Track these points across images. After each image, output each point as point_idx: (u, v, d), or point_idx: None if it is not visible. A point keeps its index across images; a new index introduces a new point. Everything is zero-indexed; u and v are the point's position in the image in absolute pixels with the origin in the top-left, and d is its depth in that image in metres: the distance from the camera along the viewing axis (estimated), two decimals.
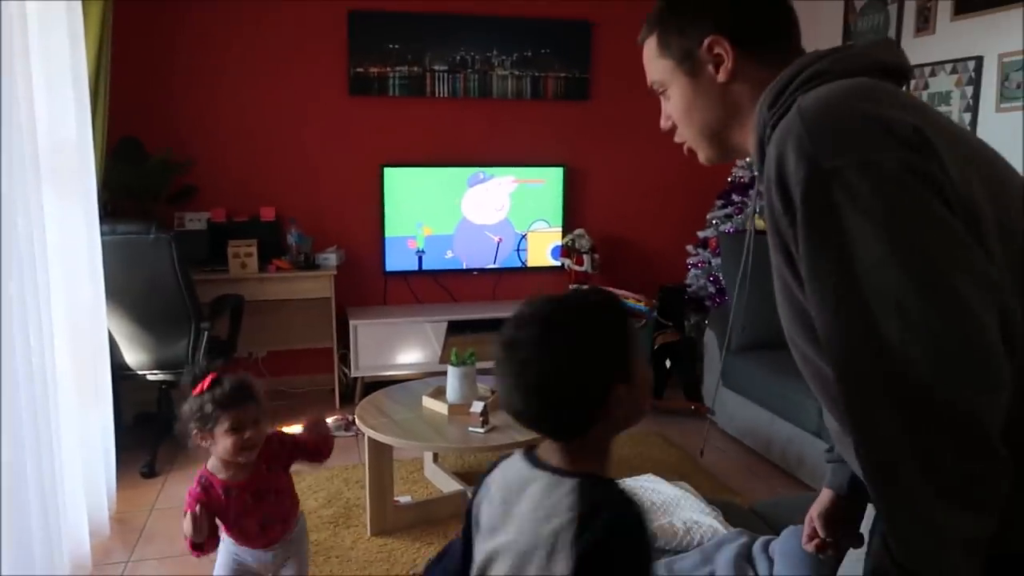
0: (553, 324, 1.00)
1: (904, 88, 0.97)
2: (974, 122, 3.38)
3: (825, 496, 1.25)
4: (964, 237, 0.80)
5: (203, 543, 1.76)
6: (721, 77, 1.01)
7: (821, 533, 1.24)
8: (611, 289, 4.55)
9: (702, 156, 1.10)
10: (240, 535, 1.87)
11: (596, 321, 1.00)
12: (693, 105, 1.05)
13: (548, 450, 1.02)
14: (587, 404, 0.97)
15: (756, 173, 1.02)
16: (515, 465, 1.06)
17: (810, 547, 1.26)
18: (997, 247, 0.82)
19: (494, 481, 1.08)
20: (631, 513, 0.95)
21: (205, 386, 1.76)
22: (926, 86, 3.63)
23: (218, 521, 1.82)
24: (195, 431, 1.76)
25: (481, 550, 1.05)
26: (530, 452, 1.05)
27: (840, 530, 1.23)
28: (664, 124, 1.12)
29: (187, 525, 1.72)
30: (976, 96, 3.37)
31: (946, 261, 0.78)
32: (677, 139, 1.12)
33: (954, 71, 3.48)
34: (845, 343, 0.82)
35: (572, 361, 0.96)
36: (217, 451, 1.78)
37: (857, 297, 0.79)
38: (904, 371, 0.77)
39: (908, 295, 0.77)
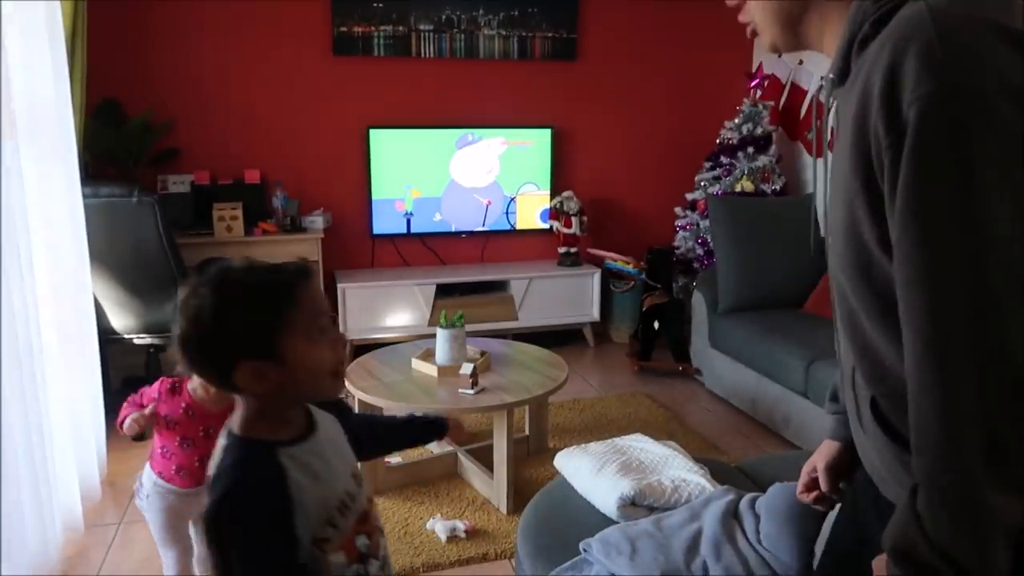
0: (195, 291, 0.99)
1: None
2: None
3: (831, 448, 1.19)
4: None
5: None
6: None
7: (824, 486, 1.19)
8: (599, 251, 4.55)
9: (766, 40, 0.95)
10: (172, 457, 1.92)
11: (229, 298, 0.98)
12: None
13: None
14: (214, 372, 1.01)
15: (827, 79, 0.87)
16: None
17: (807, 498, 1.24)
18: None
19: None
20: (240, 481, 0.97)
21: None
22: None
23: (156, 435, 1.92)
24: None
25: None
26: None
27: (841, 482, 1.19)
28: (742, 15, 0.97)
29: (131, 420, 1.91)
30: None
31: None
32: (742, 18, 0.97)
33: None
34: (940, 297, 0.70)
35: (195, 329, 0.97)
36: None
37: (972, 247, 0.68)
38: (1003, 344, 0.69)
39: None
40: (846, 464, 1.16)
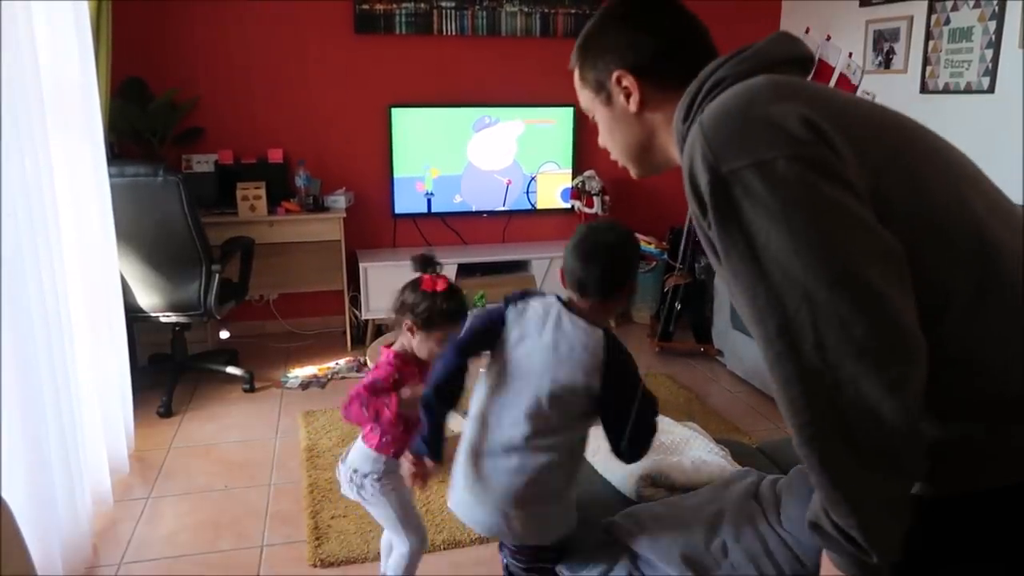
0: (619, 235, 1.59)
1: (806, 74, 1.04)
2: (996, 59, 3.30)
3: None
4: (867, 219, 0.83)
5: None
6: (632, 107, 1.10)
7: None
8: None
9: (632, 173, 1.22)
10: (405, 431, 1.86)
11: (634, 243, 1.63)
12: (614, 130, 1.15)
13: (579, 308, 1.57)
14: (616, 286, 1.56)
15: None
16: (552, 307, 1.58)
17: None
18: (903, 212, 0.86)
19: (532, 309, 1.60)
20: (625, 350, 1.58)
21: (439, 288, 1.84)
22: (948, 21, 3.53)
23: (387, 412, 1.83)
24: (410, 322, 1.85)
25: (513, 355, 1.58)
26: (567, 304, 1.57)
27: None
28: (600, 143, 1.21)
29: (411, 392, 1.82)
30: (999, 32, 3.28)
31: (849, 248, 0.82)
32: (612, 158, 1.22)
33: (977, 5, 3.37)
34: (764, 334, 0.87)
35: (624, 259, 1.57)
36: (417, 346, 1.86)
37: (769, 291, 0.84)
38: (821, 358, 0.82)
39: (814, 285, 0.81)
40: None
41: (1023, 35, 3.16)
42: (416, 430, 1.73)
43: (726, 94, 0.93)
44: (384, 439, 1.88)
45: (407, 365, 1.88)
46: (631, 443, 1.55)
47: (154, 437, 3.18)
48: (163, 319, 3.45)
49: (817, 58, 4.38)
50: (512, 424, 1.56)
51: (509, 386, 1.59)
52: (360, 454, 1.91)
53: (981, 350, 0.88)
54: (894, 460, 0.83)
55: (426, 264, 1.87)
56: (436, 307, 1.82)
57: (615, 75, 1.09)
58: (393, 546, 2.03)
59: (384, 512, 1.96)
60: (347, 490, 1.94)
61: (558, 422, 1.54)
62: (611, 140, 1.18)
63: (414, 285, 1.87)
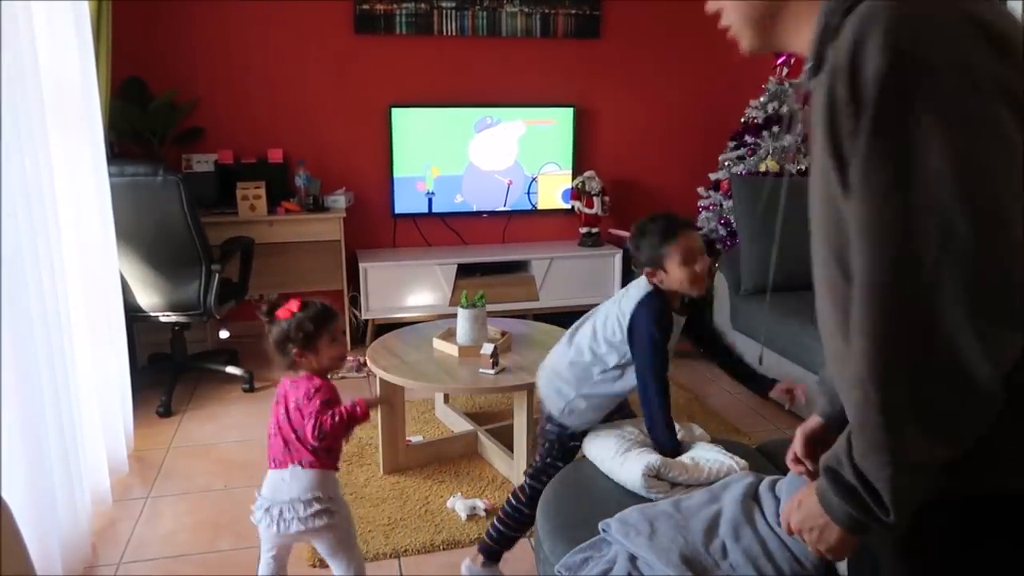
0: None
1: None
2: None
3: (814, 421, 1.25)
4: None
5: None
6: None
7: (799, 450, 1.23)
8: (618, 231, 4.53)
9: (744, 44, 1.04)
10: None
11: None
12: None
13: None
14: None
15: (806, 70, 0.92)
16: None
17: (794, 467, 1.27)
18: None
19: None
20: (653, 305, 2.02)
21: (294, 310, 1.91)
22: None
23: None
24: (296, 349, 1.89)
25: None
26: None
27: (817, 449, 1.22)
28: (710, 7, 1.06)
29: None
30: None
31: (1011, 198, 0.74)
32: (721, 24, 1.06)
33: None
34: (874, 255, 0.78)
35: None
36: (321, 362, 1.92)
37: (906, 207, 0.75)
38: (928, 293, 0.75)
39: (959, 220, 0.73)
40: (823, 437, 1.22)
41: None
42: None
43: None
44: (335, 456, 1.92)
45: (321, 380, 1.92)
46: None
47: (153, 437, 3.18)
48: (163, 319, 3.45)
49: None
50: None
51: None
52: (314, 479, 1.86)
53: None
54: (961, 425, 0.78)
55: (270, 309, 1.93)
56: (304, 322, 1.89)
57: None
58: (338, 573, 1.96)
59: (344, 532, 1.93)
60: (304, 525, 1.84)
61: None
62: None
63: (273, 322, 1.91)
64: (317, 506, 1.84)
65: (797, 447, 1.25)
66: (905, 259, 0.76)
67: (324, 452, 1.88)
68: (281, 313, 1.91)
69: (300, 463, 1.86)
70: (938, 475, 0.83)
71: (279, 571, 1.97)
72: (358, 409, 1.88)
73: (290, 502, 1.84)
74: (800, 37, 0.94)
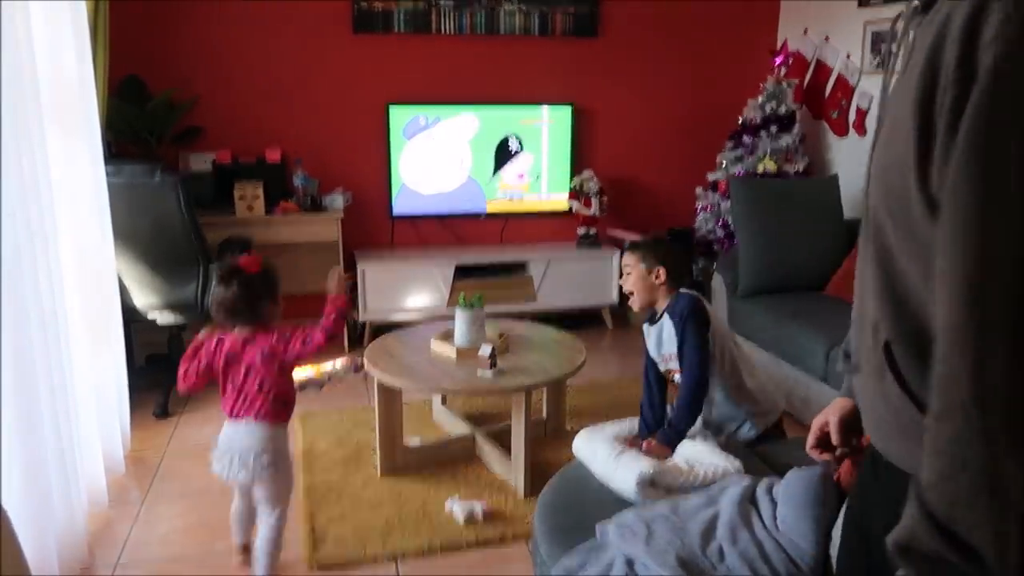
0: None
1: None
2: None
3: (845, 403, 1.16)
4: None
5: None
6: None
7: (836, 439, 1.17)
8: (619, 232, 4.53)
9: None
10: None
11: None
12: None
13: None
14: None
15: (909, 6, 0.83)
16: None
17: (816, 455, 1.23)
18: None
19: None
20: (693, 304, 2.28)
21: (261, 262, 2.09)
22: None
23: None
24: (269, 304, 2.09)
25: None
26: None
27: (852, 439, 1.17)
28: None
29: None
30: None
31: None
32: None
33: None
34: (988, 245, 0.67)
35: None
36: (279, 314, 2.14)
37: (1016, 201, 0.66)
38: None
39: None
40: (858, 421, 1.10)
41: None
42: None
43: None
44: (287, 410, 2.11)
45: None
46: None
47: (150, 438, 3.17)
48: (160, 320, 3.45)
49: (815, 59, 4.38)
50: None
51: None
52: (266, 432, 2.05)
53: None
54: None
55: (232, 266, 2.09)
56: (272, 273, 2.13)
57: None
58: (263, 516, 2.15)
59: (286, 482, 2.14)
60: (248, 474, 2.03)
61: None
62: None
63: (244, 278, 2.05)
64: (266, 457, 2.02)
65: (835, 436, 1.17)
66: (1011, 262, 0.66)
67: (280, 405, 2.07)
68: (252, 267, 2.04)
69: (255, 416, 2.04)
70: None
71: (247, 507, 2.22)
72: (336, 309, 2.13)
73: (241, 452, 2.02)
74: None
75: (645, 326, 2.47)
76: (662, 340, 2.38)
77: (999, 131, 0.66)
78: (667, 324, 2.35)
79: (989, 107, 0.67)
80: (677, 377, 2.37)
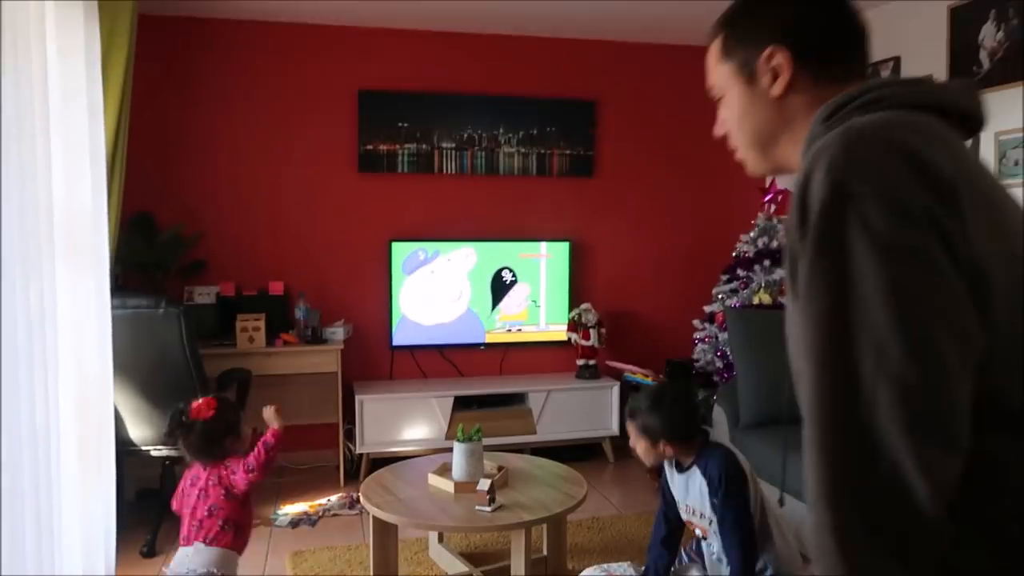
0: None
1: (970, 136, 0.96)
2: None
3: None
4: (961, 298, 0.79)
5: None
6: (776, 90, 1.01)
7: None
8: (618, 363, 4.53)
9: (749, 166, 1.11)
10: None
11: None
12: (746, 113, 1.06)
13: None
14: None
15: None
16: None
17: None
18: (1003, 311, 0.82)
19: None
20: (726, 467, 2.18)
21: (214, 404, 2.23)
22: None
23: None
24: (229, 439, 2.24)
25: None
26: None
27: None
28: (717, 130, 1.13)
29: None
30: None
31: (938, 317, 0.78)
32: (731, 146, 1.13)
33: None
34: (817, 370, 0.81)
35: None
36: (244, 445, 2.27)
37: (842, 325, 0.79)
38: (867, 412, 0.78)
39: (891, 340, 0.77)
40: None
41: (998, 175, 3.30)
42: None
43: (885, 115, 0.88)
44: (244, 537, 2.23)
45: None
46: None
47: None
48: (154, 452, 3.39)
49: None
50: None
51: None
52: (215, 555, 2.13)
53: (1012, 481, 0.83)
54: (911, 547, 0.78)
55: (183, 414, 2.24)
56: (230, 412, 2.27)
57: (768, 51, 1.00)
58: None
59: None
60: None
61: None
62: (739, 125, 1.08)
63: (201, 422, 2.21)
64: None
65: None
66: (845, 378, 0.79)
67: (231, 530, 2.17)
68: (204, 411, 2.19)
69: (204, 540, 2.13)
70: None
71: None
72: (269, 436, 2.24)
73: (188, 574, 2.09)
74: (798, 159, 1.01)
75: (667, 465, 2.34)
76: (688, 490, 2.26)
77: (818, 276, 0.81)
78: (698, 478, 2.21)
79: (812, 256, 0.82)
80: (698, 531, 2.27)
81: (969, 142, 0.96)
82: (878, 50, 4.25)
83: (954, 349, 0.78)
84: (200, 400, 2.23)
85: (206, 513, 2.17)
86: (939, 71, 3.59)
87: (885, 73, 3.91)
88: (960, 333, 0.79)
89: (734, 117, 1.08)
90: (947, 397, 0.78)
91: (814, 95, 0.98)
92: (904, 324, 0.77)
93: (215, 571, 2.09)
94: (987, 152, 3.36)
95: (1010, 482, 0.83)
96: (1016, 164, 3.22)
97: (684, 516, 2.31)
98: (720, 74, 1.08)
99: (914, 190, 0.79)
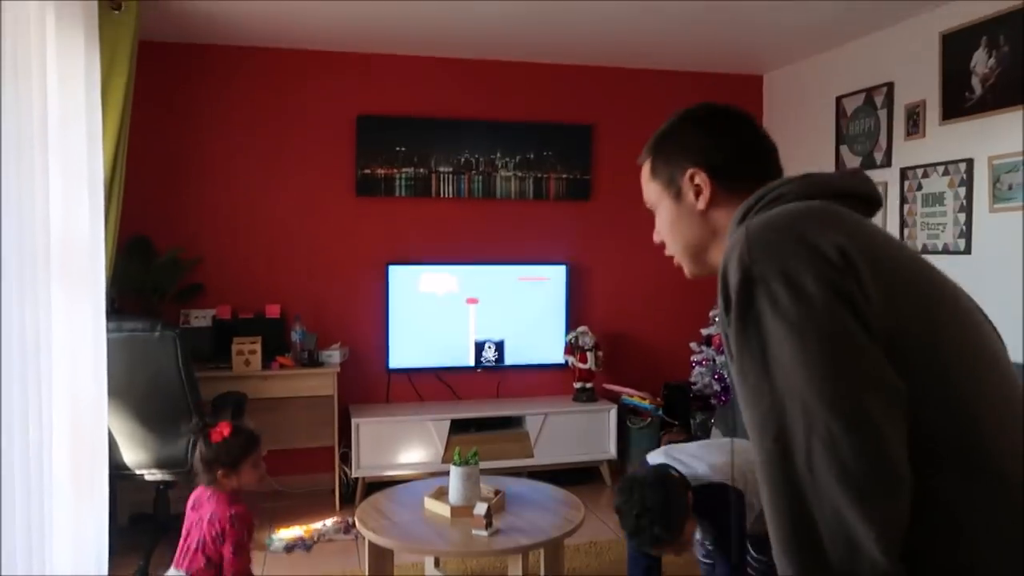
0: None
1: (872, 214, 1.08)
2: (969, 222, 3.45)
3: None
4: (871, 351, 0.87)
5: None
6: (700, 205, 1.15)
7: None
8: (615, 387, 4.53)
9: (686, 270, 1.27)
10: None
11: None
12: (677, 225, 1.21)
13: None
14: None
15: None
16: None
17: None
18: (919, 363, 0.89)
19: None
20: None
21: (225, 434, 2.22)
22: (920, 187, 3.72)
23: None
24: (221, 471, 2.21)
25: None
26: None
27: None
28: (656, 238, 1.28)
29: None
30: (969, 197, 3.45)
31: (851, 374, 0.85)
32: (667, 253, 1.28)
33: (946, 172, 3.57)
34: (761, 437, 0.89)
35: None
36: (242, 483, 2.25)
37: (772, 396, 0.88)
38: (806, 471, 0.84)
39: (814, 402, 0.84)
40: None
41: (992, 200, 3.33)
42: None
43: (783, 208, 1.00)
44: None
45: (239, 505, 2.25)
46: None
47: None
48: (148, 476, 3.36)
49: None
50: None
51: None
52: None
53: (961, 519, 0.87)
54: None
55: (204, 427, 2.27)
56: (232, 448, 2.21)
57: (689, 172, 1.15)
58: None
59: None
60: None
61: None
62: (671, 235, 1.23)
63: (205, 442, 2.24)
64: None
65: None
66: (783, 441, 0.86)
67: (215, 569, 2.19)
68: (214, 436, 2.22)
69: (188, 570, 2.18)
70: None
71: None
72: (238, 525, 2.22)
73: None
74: None
75: None
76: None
77: (741, 349, 0.91)
78: None
79: (734, 334, 0.92)
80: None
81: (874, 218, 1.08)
82: (871, 76, 4.30)
83: (876, 400, 0.85)
84: (223, 422, 2.29)
85: (195, 545, 2.21)
86: (932, 97, 3.63)
87: (879, 98, 3.95)
88: (878, 384, 0.86)
89: (667, 228, 1.23)
90: (875, 446, 0.83)
91: (732, 207, 1.11)
92: (822, 386, 0.85)
93: None
94: (980, 177, 3.39)
95: (965, 521, 0.87)
96: (1010, 188, 3.24)
97: None
98: (651, 191, 1.24)
99: (811, 267, 0.89)
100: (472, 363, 4.52)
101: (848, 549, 0.82)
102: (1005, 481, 0.89)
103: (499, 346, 4.55)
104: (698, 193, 1.15)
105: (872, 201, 1.08)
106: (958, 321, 0.97)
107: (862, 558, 0.81)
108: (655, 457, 2.54)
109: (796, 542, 0.85)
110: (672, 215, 1.21)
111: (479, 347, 4.52)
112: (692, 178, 1.15)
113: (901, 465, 0.84)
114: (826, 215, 0.97)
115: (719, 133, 1.17)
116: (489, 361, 4.54)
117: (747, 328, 0.91)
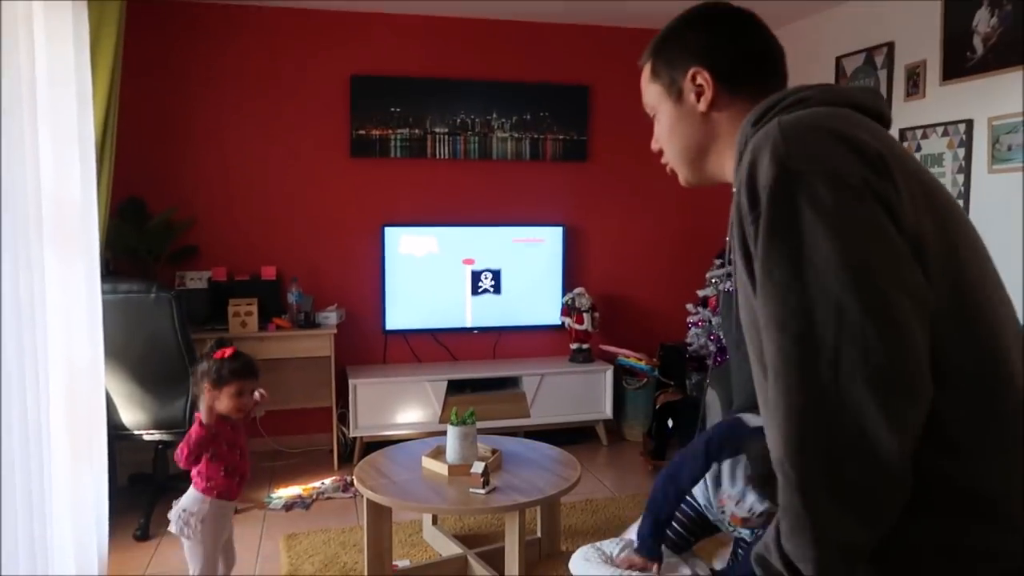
0: None
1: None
2: (967, 183, 3.43)
3: None
4: (908, 257, 0.86)
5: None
6: (701, 107, 1.11)
7: None
8: (611, 347, 4.55)
9: (681, 177, 1.21)
10: (216, 469, 2.33)
11: None
12: (676, 129, 1.16)
13: None
14: None
15: (734, 190, 1.05)
16: None
17: None
18: (939, 275, 0.88)
19: None
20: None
21: (226, 355, 2.30)
22: (919, 148, 3.70)
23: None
24: (207, 386, 2.28)
25: None
26: None
27: None
28: (654, 145, 1.23)
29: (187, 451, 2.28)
30: (968, 158, 3.43)
31: (888, 276, 0.84)
32: (663, 160, 1.23)
33: (945, 133, 3.54)
34: (780, 338, 0.86)
35: None
36: (219, 406, 2.29)
37: (802, 295, 0.85)
38: (831, 371, 0.83)
39: (848, 302, 0.83)
40: None
41: (991, 161, 3.31)
42: (236, 474, 2.36)
43: (812, 110, 0.96)
44: (208, 484, 2.31)
45: (218, 424, 2.31)
46: None
47: (129, 561, 3.05)
48: (146, 437, 3.39)
49: None
50: None
51: None
52: (190, 496, 2.33)
53: (967, 440, 0.88)
54: (873, 501, 0.83)
55: (219, 344, 2.36)
56: (224, 367, 2.28)
57: (691, 72, 1.11)
58: None
59: (198, 549, 2.32)
60: (174, 527, 2.33)
61: None
62: (670, 139, 1.18)
63: (208, 356, 2.33)
64: (180, 516, 2.31)
65: None
66: (808, 341, 0.84)
67: (195, 476, 2.34)
68: (217, 353, 2.31)
69: (192, 482, 2.36)
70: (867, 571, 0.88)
71: (220, 552, 2.43)
72: (192, 434, 2.29)
73: (176, 507, 2.34)
74: (727, 169, 1.12)
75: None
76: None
77: (774, 250, 0.87)
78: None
79: (767, 232, 0.88)
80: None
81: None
82: (871, 36, 4.24)
83: (908, 305, 0.84)
84: (230, 346, 2.37)
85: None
86: (933, 57, 3.59)
87: (879, 58, 3.90)
88: (912, 290, 0.85)
89: (665, 133, 1.18)
90: (907, 350, 0.83)
91: (735, 111, 1.08)
92: (859, 287, 0.83)
93: (183, 509, 2.31)
94: (980, 137, 3.37)
95: (965, 440, 0.88)
96: (1010, 149, 3.23)
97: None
98: (651, 94, 1.18)
99: (852, 165, 0.87)
100: (468, 323, 4.53)
101: (862, 452, 0.81)
102: (1018, 403, 0.89)
103: (496, 275, 4.53)
104: (699, 94, 1.10)
105: (884, 120, 1.04)
106: (971, 244, 0.96)
107: (876, 463, 0.81)
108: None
109: (804, 444, 0.83)
110: (672, 118, 1.15)
111: (475, 277, 4.51)
112: (694, 78, 1.10)
113: (927, 372, 0.83)
114: (861, 122, 0.95)
115: (725, 33, 1.12)
116: (487, 290, 4.55)
117: (782, 227, 0.87)
